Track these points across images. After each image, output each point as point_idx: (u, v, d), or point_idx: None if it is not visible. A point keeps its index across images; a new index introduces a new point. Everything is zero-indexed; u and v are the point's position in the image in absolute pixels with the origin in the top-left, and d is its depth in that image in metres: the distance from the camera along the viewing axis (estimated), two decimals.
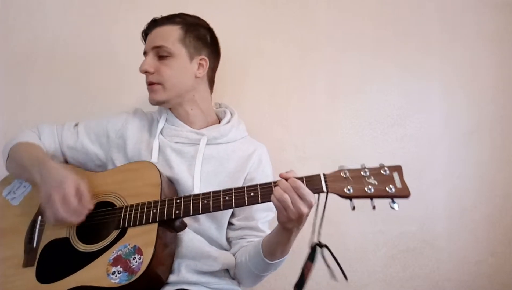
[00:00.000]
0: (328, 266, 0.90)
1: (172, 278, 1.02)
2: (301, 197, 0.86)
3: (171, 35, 1.13)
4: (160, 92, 1.13)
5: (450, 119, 1.50)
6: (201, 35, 1.16)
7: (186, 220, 1.06)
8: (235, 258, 1.11)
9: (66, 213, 0.95)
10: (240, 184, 1.13)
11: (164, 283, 1.01)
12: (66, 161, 1.21)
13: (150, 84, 1.14)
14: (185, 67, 1.13)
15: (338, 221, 1.46)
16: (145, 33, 1.19)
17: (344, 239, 1.46)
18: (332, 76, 1.51)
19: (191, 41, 1.14)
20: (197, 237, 1.07)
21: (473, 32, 1.52)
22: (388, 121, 1.50)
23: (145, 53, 1.16)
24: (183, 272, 1.03)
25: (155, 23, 1.16)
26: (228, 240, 1.15)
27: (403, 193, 0.86)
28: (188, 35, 1.14)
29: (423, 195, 1.47)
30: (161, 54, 1.12)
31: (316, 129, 1.49)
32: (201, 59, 1.15)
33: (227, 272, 1.14)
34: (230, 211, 1.13)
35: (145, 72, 1.13)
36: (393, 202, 0.86)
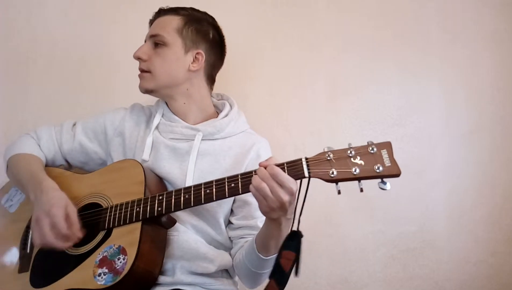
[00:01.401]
0: (299, 259, 0.85)
1: (166, 279, 1.02)
2: (281, 185, 0.82)
3: (169, 24, 1.12)
4: (149, 80, 1.12)
5: (450, 119, 1.50)
6: (202, 29, 1.14)
7: (185, 217, 1.06)
8: (234, 258, 1.11)
9: (54, 239, 0.93)
10: None
11: (155, 281, 1.00)
12: (67, 163, 1.21)
13: (140, 71, 1.13)
14: (177, 58, 1.11)
15: (338, 222, 1.46)
16: (151, 22, 1.18)
17: (344, 239, 1.46)
18: (332, 76, 1.51)
19: (190, 33, 1.12)
20: (194, 237, 1.06)
21: (473, 32, 1.52)
22: (388, 121, 1.50)
23: (145, 42, 1.16)
24: (178, 273, 1.02)
25: (159, 13, 1.16)
26: (230, 239, 1.14)
27: (393, 172, 0.79)
28: (187, 26, 1.13)
29: (423, 195, 1.47)
30: (157, 42, 1.12)
31: (316, 129, 1.49)
32: (197, 53, 1.13)
33: (225, 273, 1.13)
34: (223, 207, 1.10)
35: (138, 58, 1.12)
36: (383, 182, 0.79)
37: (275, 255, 0.96)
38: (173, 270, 1.03)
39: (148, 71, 1.12)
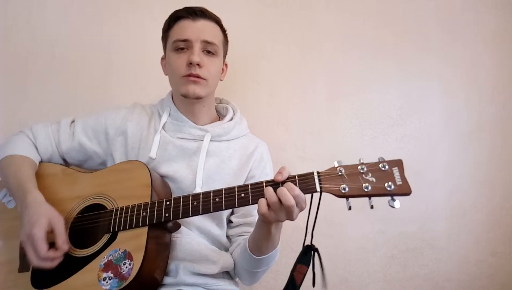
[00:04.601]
0: (314, 271, 0.89)
1: (169, 280, 1.02)
2: (298, 203, 0.84)
3: (218, 35, 1.14)
4: (204, 87, 1.11)
5: (450, 119, 1.50)
6: (227, 42, 1.20)
7: (189, 218, 1.04)
8: (231, 255, 1.12)
9: (37, 261, 0.92)
10: (241, 182, 1.12)
11: (159, 285, 1.00)
12: (65, 161, 1.19)
13: (196, 76, 1.08)
14: (220, 68, 1.16)
15: (338, 222, 1.46)
16: (176, 17, 1.12)
17: (344, 239, 1.46)
18: (332, 76, 1.51)
19: (225, 45, 1.18)
20: (196, 240, 1.06)
21: (473, 32, 1.53)
22: (388, 121, 1.50)
23: (185, 41, 1.09)
24: (180, 274, 1.02)
25: (203, 14, 1.12)
26: (228, 238, 1.15)
27: (403, 191, 0.79)
28: (225, 39, 1.18)
29: (423, 195, 1.47)
30: (209, 50, 1.11)
31: (316, 129, 1.49)
32: (225, 64, 1.21)
33: (227, 273, 1.14)
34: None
35: (197, 64, 1.07)
36: (393, 200, 0.80)
37: (267, 255, 1.00)
38: (176, 271, 1.03)
39: (205, 79, 1.10)
